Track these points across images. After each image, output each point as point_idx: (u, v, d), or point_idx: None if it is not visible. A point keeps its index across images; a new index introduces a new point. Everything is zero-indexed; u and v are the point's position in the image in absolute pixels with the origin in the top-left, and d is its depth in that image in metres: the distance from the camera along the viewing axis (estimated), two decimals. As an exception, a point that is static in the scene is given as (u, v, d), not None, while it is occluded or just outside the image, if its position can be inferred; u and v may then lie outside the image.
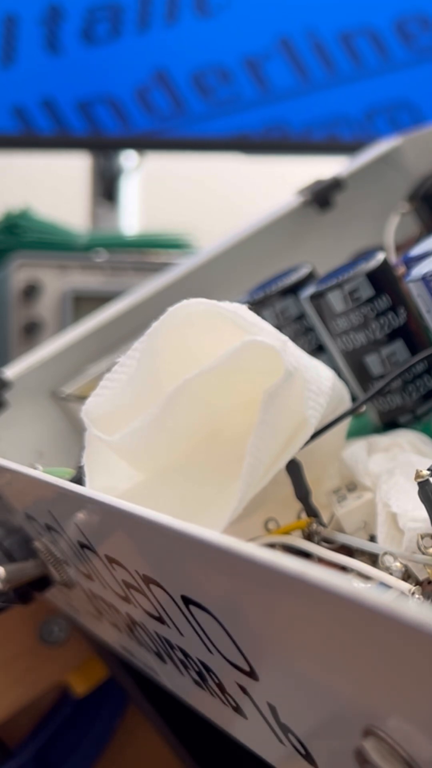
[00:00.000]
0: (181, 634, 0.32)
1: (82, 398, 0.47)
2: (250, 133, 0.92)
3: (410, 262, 0.41)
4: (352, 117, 0.93)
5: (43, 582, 0.42)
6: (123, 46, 0.94)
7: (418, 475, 0.32)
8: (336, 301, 0.41)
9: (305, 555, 0.35)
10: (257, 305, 0.45)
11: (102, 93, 0.94)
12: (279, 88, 0.93)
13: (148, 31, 0.92)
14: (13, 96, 0.94)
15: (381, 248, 0.47)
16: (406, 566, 0.32)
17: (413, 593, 0.31)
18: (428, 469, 0.32)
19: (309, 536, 0.36)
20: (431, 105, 0.93)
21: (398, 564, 0.32)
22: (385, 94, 0.93)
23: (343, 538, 0.36)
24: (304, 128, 0.92)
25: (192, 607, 0.28)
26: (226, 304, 0.35)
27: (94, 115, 0.93)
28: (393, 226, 0.55)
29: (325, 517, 0.37)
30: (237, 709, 0.32)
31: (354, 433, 0.42)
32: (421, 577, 0.32)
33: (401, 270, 0.42)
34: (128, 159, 1.08)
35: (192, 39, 0.93)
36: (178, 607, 0.29)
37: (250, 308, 0.35)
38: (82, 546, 0.36)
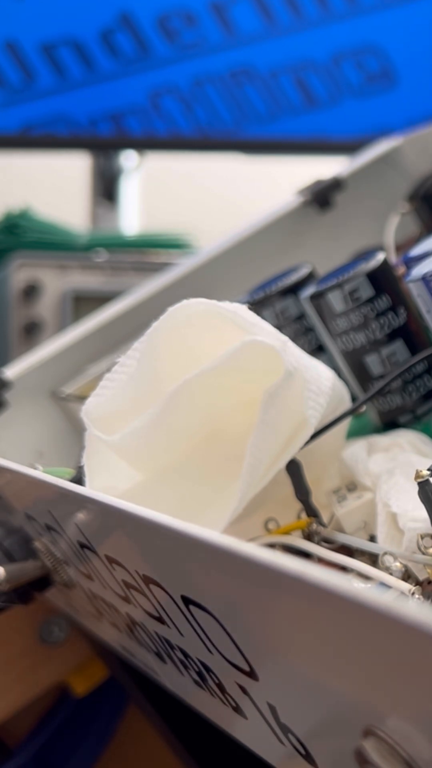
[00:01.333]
0: (181, 634, 0.32)
1: (82, 398, 0.47)
2: (215, 77, 0.90)
3: (410, 262, 0.41)
4: (318, 61, 0.91)
5: (43, 582, 0.42)
6: (87, -13, 0.91)
7: (418, 475, 0.32)
8: (336, 301, 0.41)
9: (305, 555, 0.35)
10: (257, 305, 0.45)
11: (66, 35, 0.92)
12: (245, 32, 0.92)
13: (112, -28, 0.90)
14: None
15: (381, 248, 0.47)
16: (406, 566, 0.32)
17: (413, 593, 0.31)
18: (428, 469, 0.32)
19: (309, 536, 0.36)
20: (398, 49, 0.92)
21: (398, 564, 0.32)
22: (352, 38, 0.92)
23: (343, 538, 0.36)
24: (270, 73, 0.91)
25: (192, 607, 0.28)
26: (226, 304, 0.35)
27: (59, 59, 0.91)
28: (393, 226, 0.55)
29: (325, 517, 0.37)
30: (237, 709, 0.32)
31: (354, 433, 0.42)
32: (421, 577, 0.32)
33: (401, 270, 0.42)
34: (128, 159, 1.08)
35: (157, -19, 0.91)
36: (178, 607, 0.29)
37: (250, 308, 0.35)
38: (82, 546, 0.36)
